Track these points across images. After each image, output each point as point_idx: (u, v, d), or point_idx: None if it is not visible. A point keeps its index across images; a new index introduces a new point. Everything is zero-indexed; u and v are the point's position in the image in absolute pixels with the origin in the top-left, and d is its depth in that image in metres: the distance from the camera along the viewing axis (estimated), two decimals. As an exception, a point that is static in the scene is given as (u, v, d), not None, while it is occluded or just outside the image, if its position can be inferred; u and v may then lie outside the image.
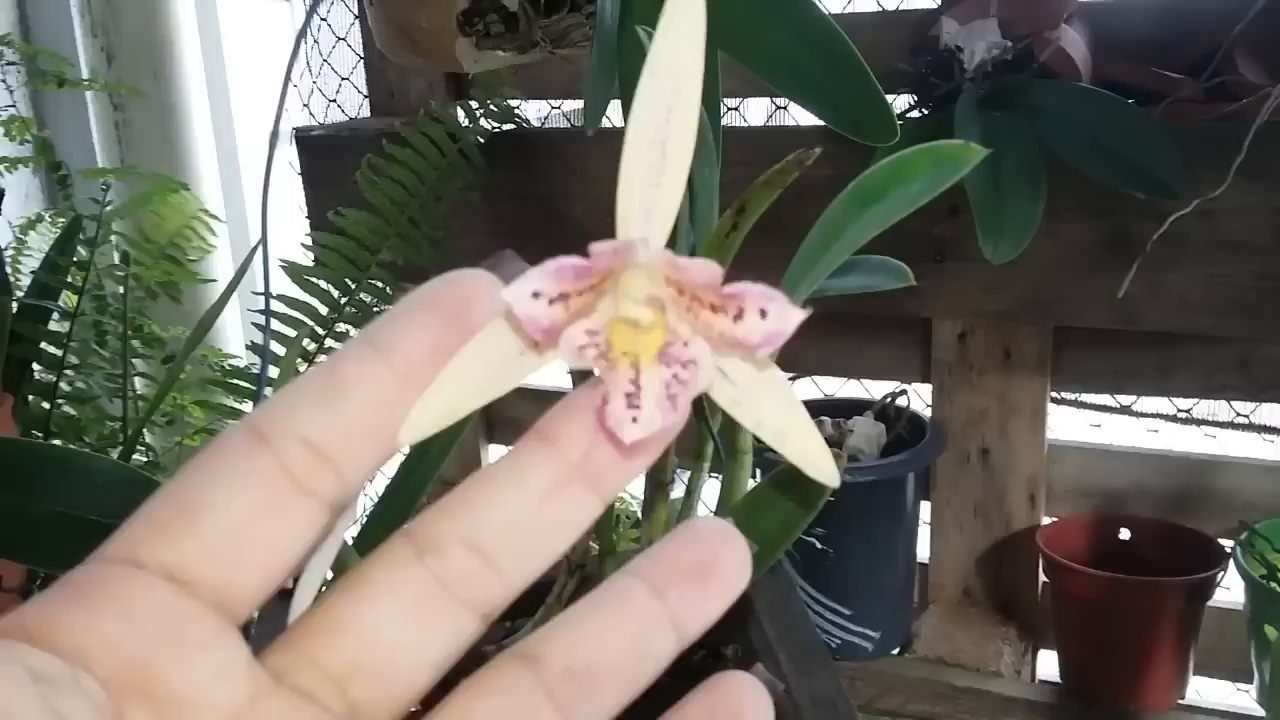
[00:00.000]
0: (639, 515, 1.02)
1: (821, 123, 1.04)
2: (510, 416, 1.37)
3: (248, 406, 1.09)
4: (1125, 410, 1.18)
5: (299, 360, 1.02)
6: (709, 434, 0.55)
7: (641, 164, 0.26)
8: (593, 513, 0.25)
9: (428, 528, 0.24)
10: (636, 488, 0.84)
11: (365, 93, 1.38)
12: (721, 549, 0.24)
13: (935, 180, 0.42)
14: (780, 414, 0.27)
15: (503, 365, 0.26)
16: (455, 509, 0.24)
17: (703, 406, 0.52)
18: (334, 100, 1.40)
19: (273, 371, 0.99)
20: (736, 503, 0.55)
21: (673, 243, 0.34)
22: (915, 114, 1.02)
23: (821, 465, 0.27)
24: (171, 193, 1.13)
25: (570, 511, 0.25)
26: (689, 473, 0.57)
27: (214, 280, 1.27)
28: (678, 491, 0.61)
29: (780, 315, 0.24)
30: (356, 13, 1.34)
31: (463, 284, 0.25)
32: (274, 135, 0.53)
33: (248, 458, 0.22)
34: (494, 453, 1.45)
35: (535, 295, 0.24)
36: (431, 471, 0.65)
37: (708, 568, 0.24)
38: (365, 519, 0.74)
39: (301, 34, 0.64)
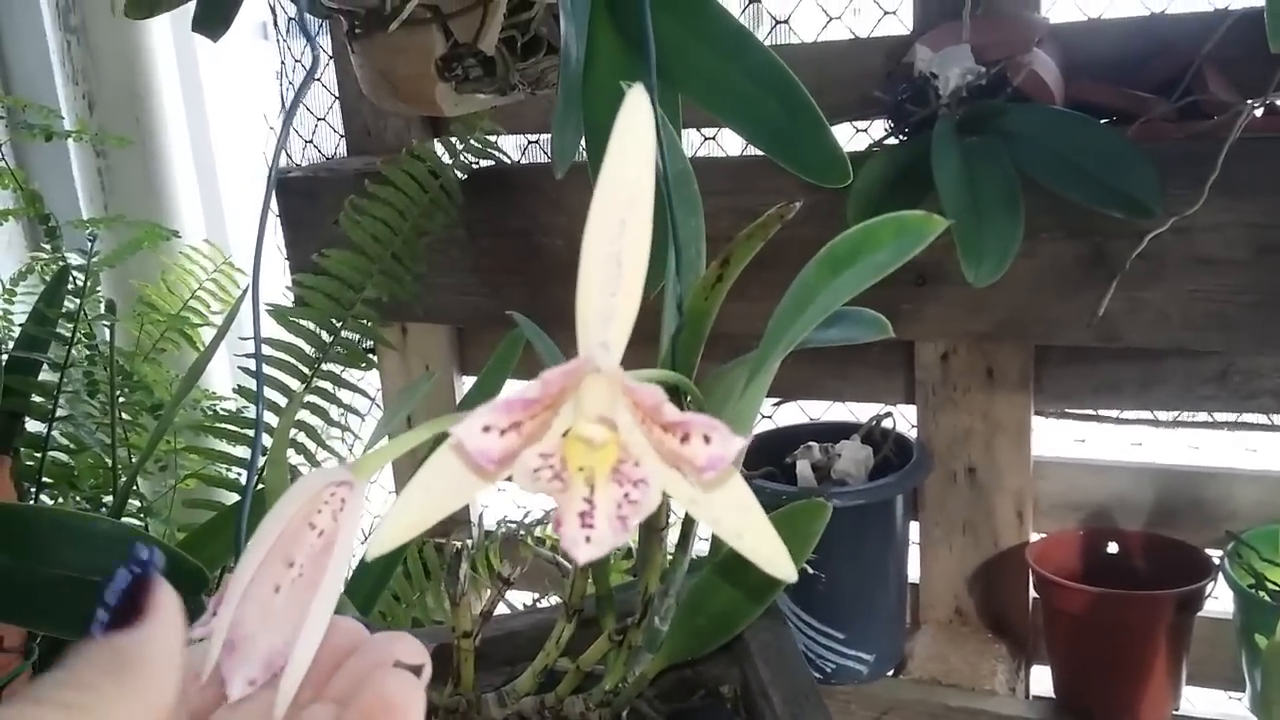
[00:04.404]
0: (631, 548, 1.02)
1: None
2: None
3: (240, 451, 1.09)
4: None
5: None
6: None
7: (599, 274, 0.27)
8: None
9: None
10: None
11: (341, 132, 1.38)
12: None
13: (900, 249, 0.43)
14: (736, 513, 0.29)
15: (464, 479, 0.28)
16: None
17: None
18: (310, 140, 1.41)
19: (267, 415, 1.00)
20: (730, 547, 0.55)
21: (660, 294, 0.34)
22: (892, 141, 1.03)
23: (777, 563, 0.29)
24: (161, 239, 1.13)
25: None
26: (684, 514, 0.57)
27: (215, 326, 1.27)
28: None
29: (723, 442, 0.25)
30: (331, 53, 1.34)
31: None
32: (269, 189, 0.53)
33: None
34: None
35: (486, 430, 0.25)
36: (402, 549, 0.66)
37: None
38: (351, 574, 0.74)
39: (293, 108, 0.64)
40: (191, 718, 0.31)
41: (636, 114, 0.26)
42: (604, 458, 0.26)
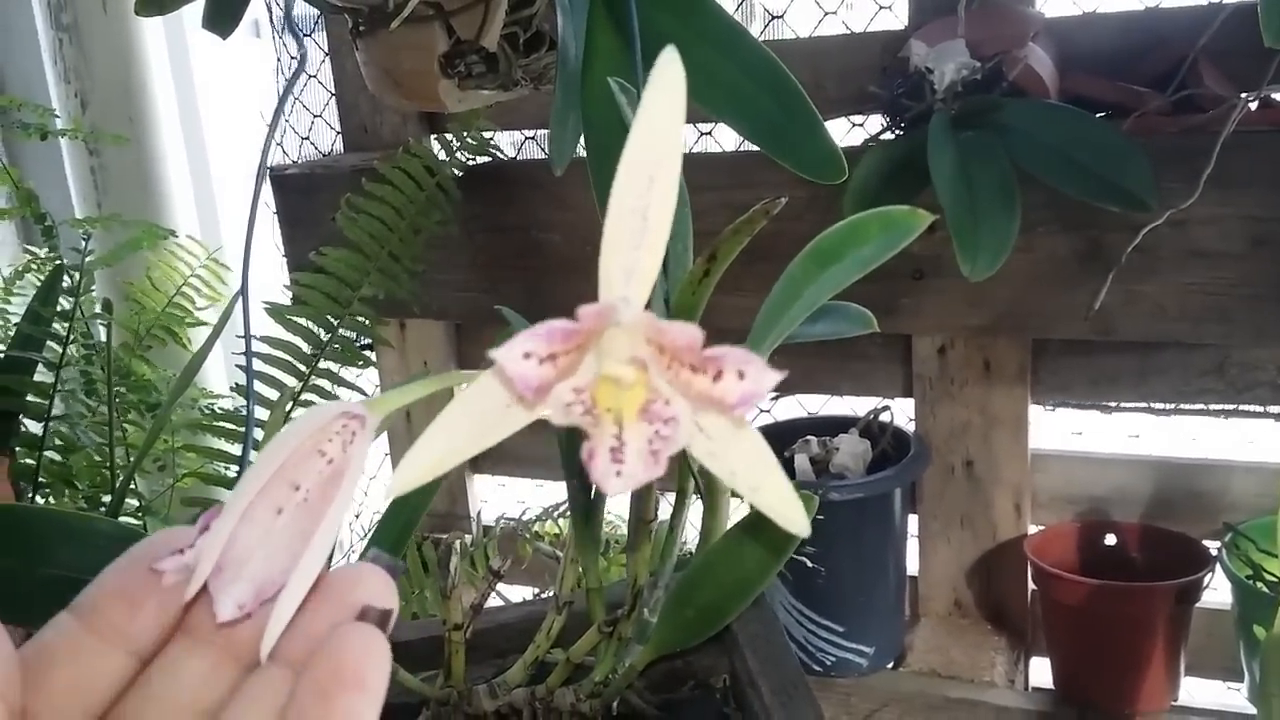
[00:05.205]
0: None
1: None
2: (495, 447, 1.37)
3: (236, 449, 1.09)
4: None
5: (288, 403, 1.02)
6: (690, 471, 0.56)
7: (624, 228, 0.27)
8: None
9: None
10: (623, 508, 0.84)
11: (338, 128, 1.38)
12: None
13: (886, 244, 0.43)
14: (754, 467, 0.28)
15: (491, 418, 0.28)
16: None
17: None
18: (307, 137, 1.40)
19: (261, 413, 1.00)
20: (718, 540, 0.55)
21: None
22: (888, 135, 1.03)
23: (792, 517, 0.29)
24: (159, 239, 1.13)
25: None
26: (672, 507, 0.57)
27: (203, 323, 1.27)
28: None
29: (757, 377, 0.25)
30: (327, 50, 1.34)
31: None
32: (257, 188, 0.54)
33: None
34: (479, 483, 1.46)
35: (526, 355, 0.25)
36: (424, 503, 0.66)
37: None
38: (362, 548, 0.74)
39: (280, 105, 0.64)
40: (137, 658, 0.28)
41: (669, 73, 0.27)
42: (632, 399, 0.26)
